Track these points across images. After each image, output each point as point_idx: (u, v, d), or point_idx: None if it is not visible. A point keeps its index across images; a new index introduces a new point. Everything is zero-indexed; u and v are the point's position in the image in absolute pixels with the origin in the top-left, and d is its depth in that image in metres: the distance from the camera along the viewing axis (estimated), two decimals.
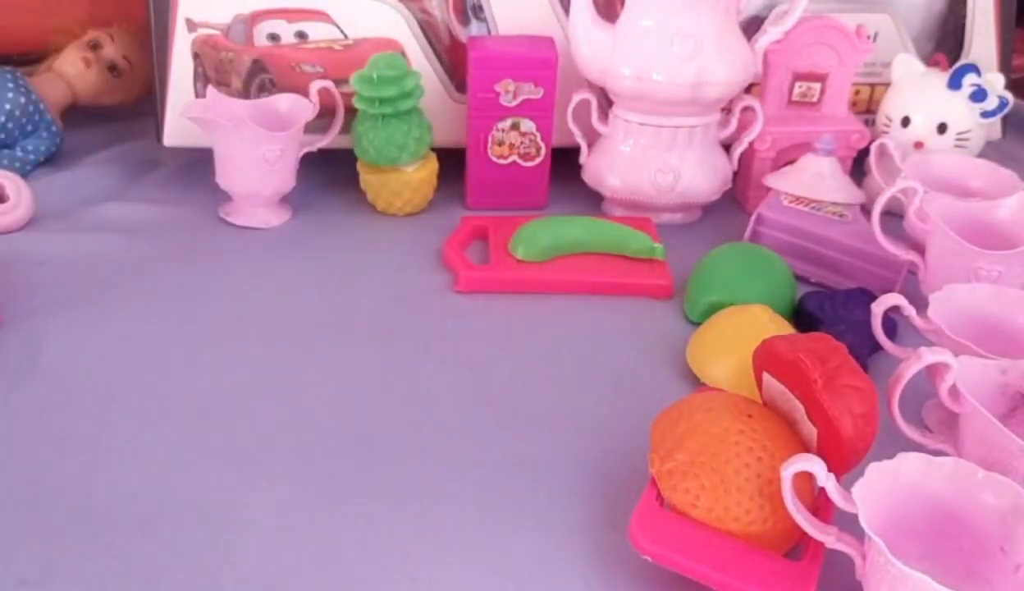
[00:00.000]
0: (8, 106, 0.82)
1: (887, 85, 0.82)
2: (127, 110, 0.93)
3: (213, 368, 0.59)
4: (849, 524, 0.41)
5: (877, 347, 0.59)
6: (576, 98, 0.76)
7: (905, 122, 0.78)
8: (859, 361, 0.45)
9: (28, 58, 0.94)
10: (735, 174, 0.80)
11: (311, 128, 0.77)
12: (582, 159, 0.80)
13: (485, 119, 0.77)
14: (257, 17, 0.78)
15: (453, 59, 0.81)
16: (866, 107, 0.86)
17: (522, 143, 0.78)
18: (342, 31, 0.79)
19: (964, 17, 0.86)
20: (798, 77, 0.80)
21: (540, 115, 0.77)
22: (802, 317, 0.64)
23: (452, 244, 0.72)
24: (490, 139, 0.78)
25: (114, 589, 0.44)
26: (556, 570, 0.46)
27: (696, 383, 0.59)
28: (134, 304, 0.66)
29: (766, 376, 0.47)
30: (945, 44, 0.87)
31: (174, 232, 0.76)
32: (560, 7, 0.79)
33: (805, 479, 0.43)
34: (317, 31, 0.79)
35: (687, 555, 0.42)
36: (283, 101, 0.77)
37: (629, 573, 0.45)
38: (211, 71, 0.79)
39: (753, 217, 0.73)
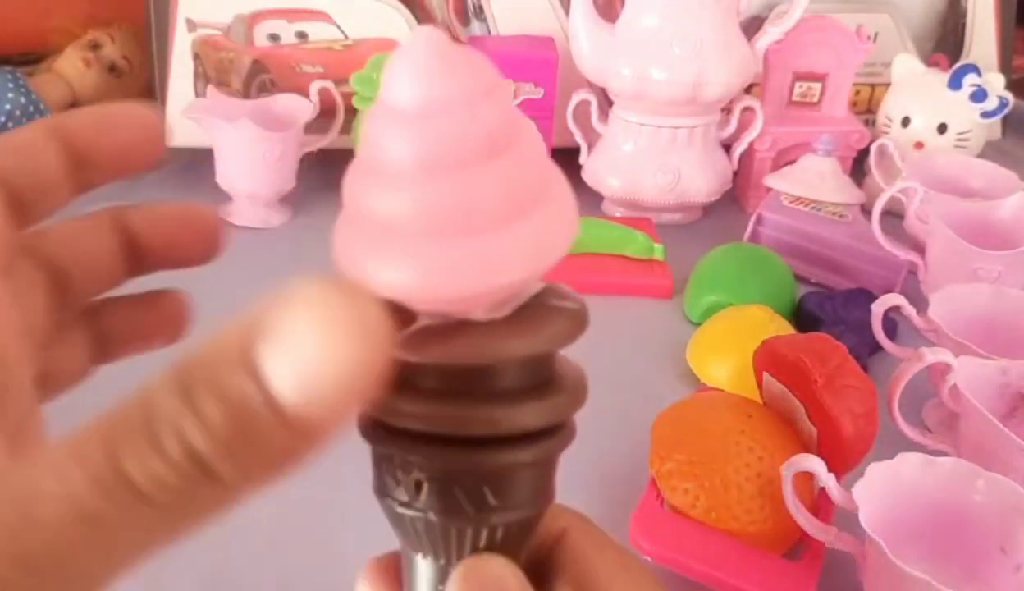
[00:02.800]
0: (8, 106, 0.82)
1: (887, 85, 0.82)
2: None
3: None
4: (849, 524, 0.41)
5: (877, 347, 0.59)
6: (576, 98, 0.76)
7: (905, 122, 0.78)
8: (859, 361, 0.45)
9: (28, 58, 0.94)
10: (735, 174, 0.80)
11: (311, 128, 0.77)
12: (582, 159, 0.80)
13: None
14: (257, 17, 0.78)
15: None
16: (866, 107, 0.86)
17: None
18: (342, 31, 0.79)
19: (964, 17, 0.86)
20: (798, 77, 0.80)
21: (540, 115, 0.77)
22: (802, 317, 0.64)
23: None
24: None
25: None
26: None
27: (696, 383, 0.59)
28: None
29: (766, 376, 0.47)
30: (945, 44, 0.87)
31: None
32: (560, 7, 0.79)
33: (805, 479, 0.43)
34: (317, 31, 0.79)
35: (687, 555, 0.42)
36: (283, 101, 0.77)
37: None
38: (211, 71, 0.79)
39: (753, 217, 0.73)
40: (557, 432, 0.23)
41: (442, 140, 0.18)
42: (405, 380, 0.20)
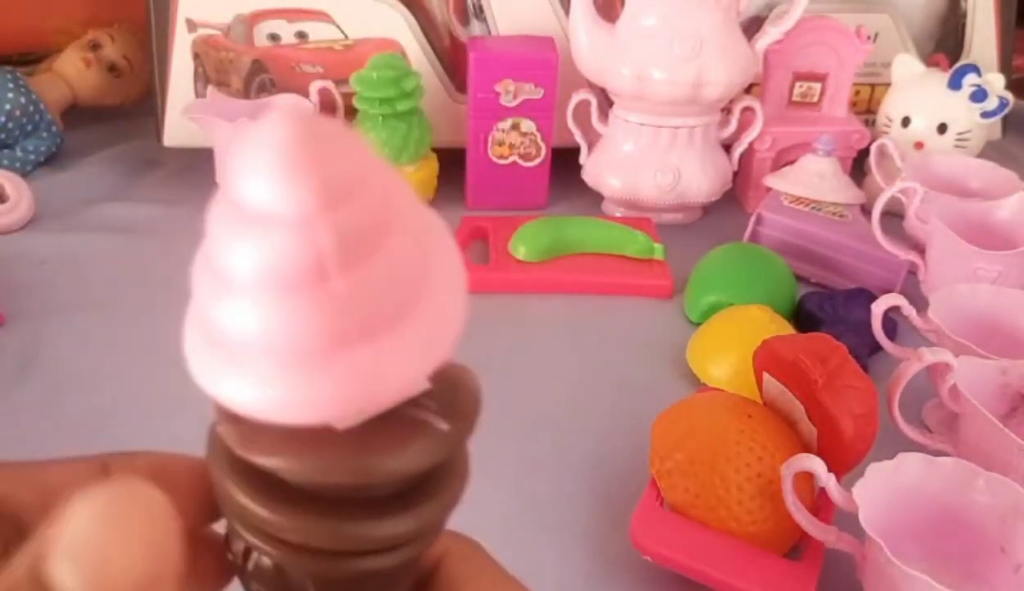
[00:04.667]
0: (8, 106, 0.82)
1: (887, 85, 0.82)
2: (127, 110, 0.93)
3: None
4: (849, 524, 0.41)
5: (877, 347, 0.59)
6: (576, 98, 0.76)
7: (905, 122, 0.78)
8: (859, 361, 0.45)
9: (28, 58, 0.94)
10: (735, 174, 0.80)
11: None
12: (582, 159, 0.80)
13: (485, 119, 0.77)
14: (257, 17, 0.78)
15: (453, 59, 0.81)
16: (866, 107, 0.86)
17: (522, 143, 0.78)
18: (342, 31, 0.79)
19: (964, 17, 0.86)
20: (798, 77, 0.80)
21: (540, 115, 0.77)
22: (802, 317, 0.64)
23: None
24: (490, 139, 0.78)
25: None
26: (556, 570, 0.46)
27: (696, 383, 0.59)
28: (134, 304, 0.66)
29: (766, 376, 0.47)
30: (945, 44, 0.87)
31: (174, 232, 0.76)
32: (560, 7, 0.79)
33: (805, 479, 0.43)
34: (317, 31, 0.79)
35: (687, 555, 0.42)
36: (283, 101, 0.77)
37: (629, 573, 0.45)
38: (211, 71, 0.79)
39: (753, 217, 0.73)
40: (415, 539, 0.20)
41: (288, 256, 0.16)
42: (244, 467, 0.19)
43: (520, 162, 0.79)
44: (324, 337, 0.16)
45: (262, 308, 0.16)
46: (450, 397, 0.20)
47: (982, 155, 0.78)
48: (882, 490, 0.41)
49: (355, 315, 0.16)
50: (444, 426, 0.19)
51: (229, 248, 0.16)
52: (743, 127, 0.78)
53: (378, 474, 0.18)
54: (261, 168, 0.16)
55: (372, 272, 0.16)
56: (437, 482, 0.20)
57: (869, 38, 0.79)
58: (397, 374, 0.17)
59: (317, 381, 0.16)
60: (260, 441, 0.18)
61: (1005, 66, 0.86)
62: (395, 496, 0.19)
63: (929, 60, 0.84)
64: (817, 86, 0.80)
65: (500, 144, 0.78)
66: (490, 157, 0.79)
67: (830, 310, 0.63)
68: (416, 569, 0.22)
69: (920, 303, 0.57)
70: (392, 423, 0.18)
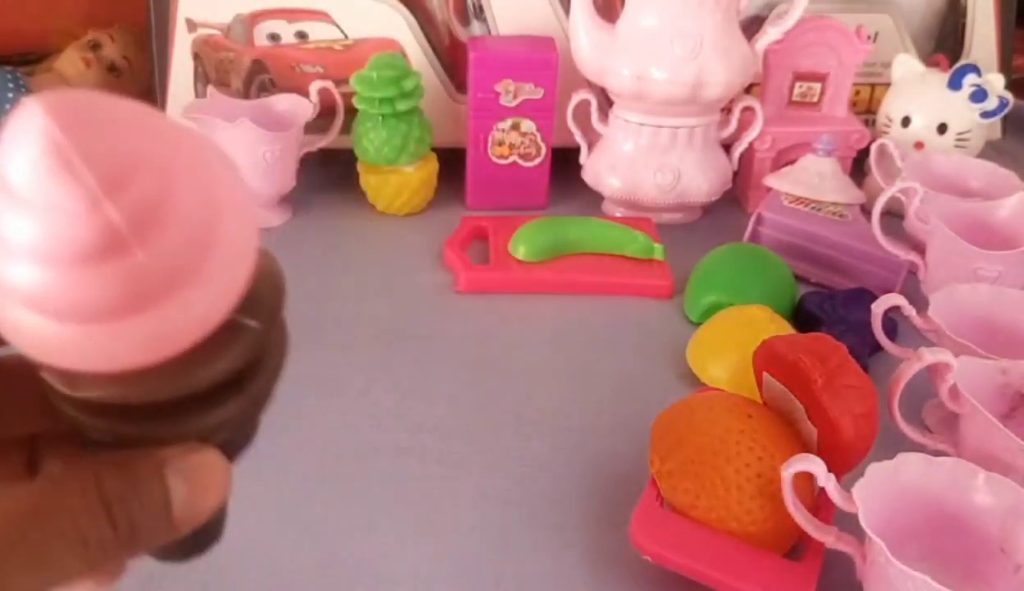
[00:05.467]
0: (8, 106, 0.82)
1: (887, 85, 0.82)
2: None
3: None
4: (849, 524, 0.41)
5: (877, 347, 0.59)
6: (576, 98, 0.76)
7: (905, 122, 0.78)
8: (859, 361, 0.45)
9: (28, 58, 0.94)
10: (735, 174, 0.80)
11: (311, 128, 0.77)
12: (582, 159, 0.80)
13: (485, 119, 0.77)
14: (257, 17, 0.78)
15: (453, 59, 0.81)
16: (866, 107, 0.86)
17: (522, 143, 0.78)
18: (342, 31, 0.79)
19: (964, 17, 0.86)
20: (798, 77, 0.80)
21: (540, 115, 0.77)
22: (802, 317, 0.64)
23: (452, 244, 0.72)
24: (490, 139, 0.78)
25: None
26: (556, 570, 0.46)
27: (696, 383, 0.59)
28: None
29: (766, 376, 0.47)
30: (945, 44, 0.87)
31: None
32: (560, 7, 0.79)
33: (805, 479, 0.43)
34: (317, 31, 0.79)
35: (687, 555, 0.42)
36: (283, 101, 0.77)
37: (629, 573, 0.45)
38: (211, 71, 0.79)
39: (753, 217, 0.73)
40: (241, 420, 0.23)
41: (82, 237, 0.16)
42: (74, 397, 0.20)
43: (520, 162, 0.79)
44: (127, 302, 0.17)
45: (57, 277, 0.17)
46: (255, 292, 0.20)
47: (982, 155, 0.78)
48: (882, 490, 0.41)
49: (157, 277, 0.17)
50: (254, 324, 0.20)
51: (12, 221, 0.17)
52: (743, 127, 0.78)
53: (200, 383, 0.20)
54: (36, 169, 0.16)
55: (168, 234, 0.17)
56: (255, 367, 0.22)
57: (869, 38, 0.79)
58: (202, 314, 0.18)
59: (121, 339, 0.17)
60: (83, 379, 0.19)
61: (1005, 66, 0.86)
62: (216, 387, 0.21)
63: (929, 60, 0.84)
64: (817, 86, 0.80)
65: (500, 144, 0.78)
66: (490, 157, 0.79)
67: (830, 310, 0.63)
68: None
69: (920, 303, 0.57)
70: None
